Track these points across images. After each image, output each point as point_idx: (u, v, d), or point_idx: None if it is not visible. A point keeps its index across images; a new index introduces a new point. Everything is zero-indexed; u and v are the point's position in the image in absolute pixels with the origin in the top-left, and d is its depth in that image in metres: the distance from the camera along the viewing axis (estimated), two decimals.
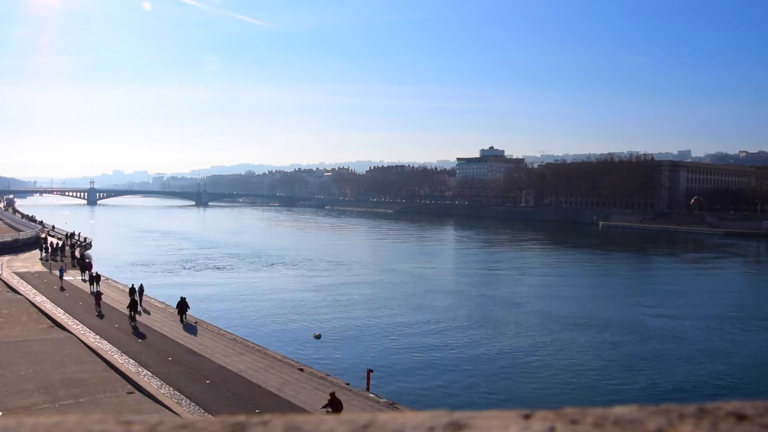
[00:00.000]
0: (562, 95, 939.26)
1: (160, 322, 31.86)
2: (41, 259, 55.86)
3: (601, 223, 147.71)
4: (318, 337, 33.85)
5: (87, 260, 54.83)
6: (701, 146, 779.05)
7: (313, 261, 68.57)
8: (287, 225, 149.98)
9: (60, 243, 63.43)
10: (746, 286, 64.43)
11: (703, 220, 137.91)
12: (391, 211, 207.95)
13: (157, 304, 36.74)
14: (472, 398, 24.20)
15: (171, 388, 21.57)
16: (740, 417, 1.05)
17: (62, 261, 53.41)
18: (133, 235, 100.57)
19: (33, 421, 1.10)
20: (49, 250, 57.17)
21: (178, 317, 31.72)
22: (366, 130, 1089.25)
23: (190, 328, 30.55)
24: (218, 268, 61.65)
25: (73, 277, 46.84)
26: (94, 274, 42.17)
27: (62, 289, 41.31)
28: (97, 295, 35.76)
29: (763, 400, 1.12)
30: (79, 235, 74.95)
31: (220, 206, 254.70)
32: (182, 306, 31.57)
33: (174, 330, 30.07)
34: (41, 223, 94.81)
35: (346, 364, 27.78)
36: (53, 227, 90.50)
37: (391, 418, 1.10)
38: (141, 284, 36.19)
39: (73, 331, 29.25)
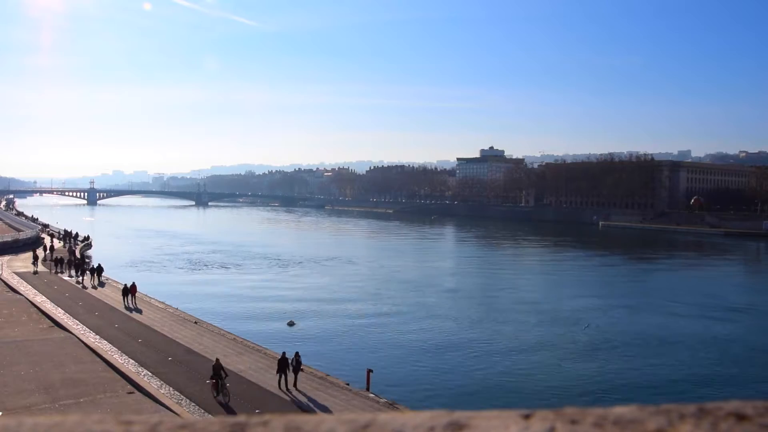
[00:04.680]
0: (562, 95, 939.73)
1: (160, 321, 31.85)
2: (43, 261, 54.50)
3: (601, 223, 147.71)
4: (291, 324, 34.34)
5: (87, 260, 54.79)
6: (701, 146, 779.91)
7: (312, 261, 68.57)
8: (287, 225, 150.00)
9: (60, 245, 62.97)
10: (747, 286, 64.40)
11: (703, 220, 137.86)
12: (391, 211, 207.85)
13: (157, 303, 36.73)
14: (472, 398, 24.20)
15: (171, 388, 21.57)
16: (740, 417, 1.05)
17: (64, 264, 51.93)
18: (133, 235, 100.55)
19: (33, 421, 1.10)
20: (54, 254, 55.29)
21: (276, 377, 22.14)
22: (366, 130, 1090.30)
23: (191, 328, 30.56)
24: (219, 268, 61.65)
25: (71, 277, 46.83)
26: (95, 267, 43.68)
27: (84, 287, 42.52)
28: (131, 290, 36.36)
29: (763, 400, 1.12)
30: (82, 237, 74.85)
31: (220, 206, 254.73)
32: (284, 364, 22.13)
33: (174, 330, 30.07)
34: (47, 225, 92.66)
35: (346, 364, 27.77)
36: (72, 233, 76.52)
37: (391, 418, 1.10)
38: (297, 353, 22.78)
39: (73, 331, 29.25)
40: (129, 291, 36.47)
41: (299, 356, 22.39)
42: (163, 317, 32.96)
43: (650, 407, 1.09)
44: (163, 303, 36.83)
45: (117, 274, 48.16)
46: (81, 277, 44.85)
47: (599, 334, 35.89)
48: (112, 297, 38.58)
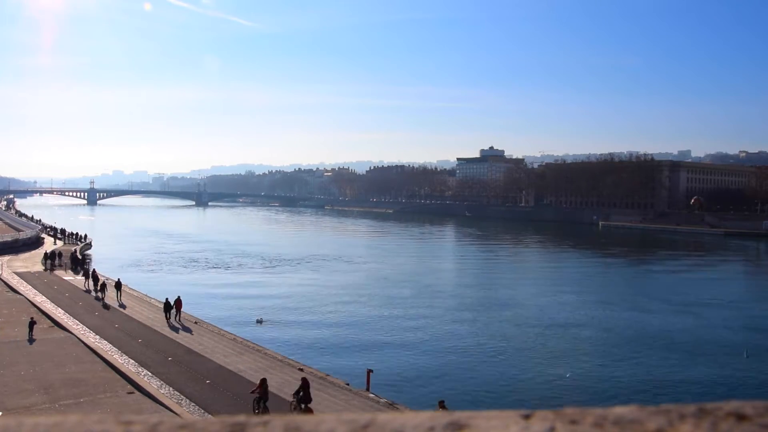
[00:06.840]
0: (562, 95, 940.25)
1: (160, 321, 31.81)
2: (44, 265, 54.03)
3: (601, 224, 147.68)
4: (260, 322, 34.72)
5: (87, 260, 54.84)
6: (701, 146, 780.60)
7: (312, 261, 68.57)
8: (287, 225, 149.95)
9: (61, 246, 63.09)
10: (746, 286, 64.39)
11: (703, 220, 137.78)
12: (391, 211, 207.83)
13: (156, 303, 36.66)
14: (472, 398, 24.20)
15: (171, 388, 21.58)
16: (740, 417, 1.05)
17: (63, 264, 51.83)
18: (133, 235, 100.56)
19: (33, 421, 1.10)
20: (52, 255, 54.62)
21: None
22: (366, 130, 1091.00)
23: (191, 328, 30.53)
24: (218, 268, 61.64)
25: (72, 277, 46.83)
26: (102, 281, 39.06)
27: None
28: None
29: (763, 400, 1.12)
30: (81, 235, 74.84)
31: (220, 206, 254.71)
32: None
33: (173, 330, 30.05)
34: (52, 228, 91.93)
35: (346, 364, 27.77)
36: (66, 232, 77.66)
37: (391, 418, 1.10)
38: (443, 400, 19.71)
39: (73, 331, 29.26)
40: (172, 306, 31.97)
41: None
42: (162, 317, 32.90)
43: (650, 407, 1.09)
44: (161, 302, 36.72)
45: (114, 274, 48.07)
46: (77, 276, 44.63)
47: (600, 335, 35.90)
48: (139, 312, 37.90)
